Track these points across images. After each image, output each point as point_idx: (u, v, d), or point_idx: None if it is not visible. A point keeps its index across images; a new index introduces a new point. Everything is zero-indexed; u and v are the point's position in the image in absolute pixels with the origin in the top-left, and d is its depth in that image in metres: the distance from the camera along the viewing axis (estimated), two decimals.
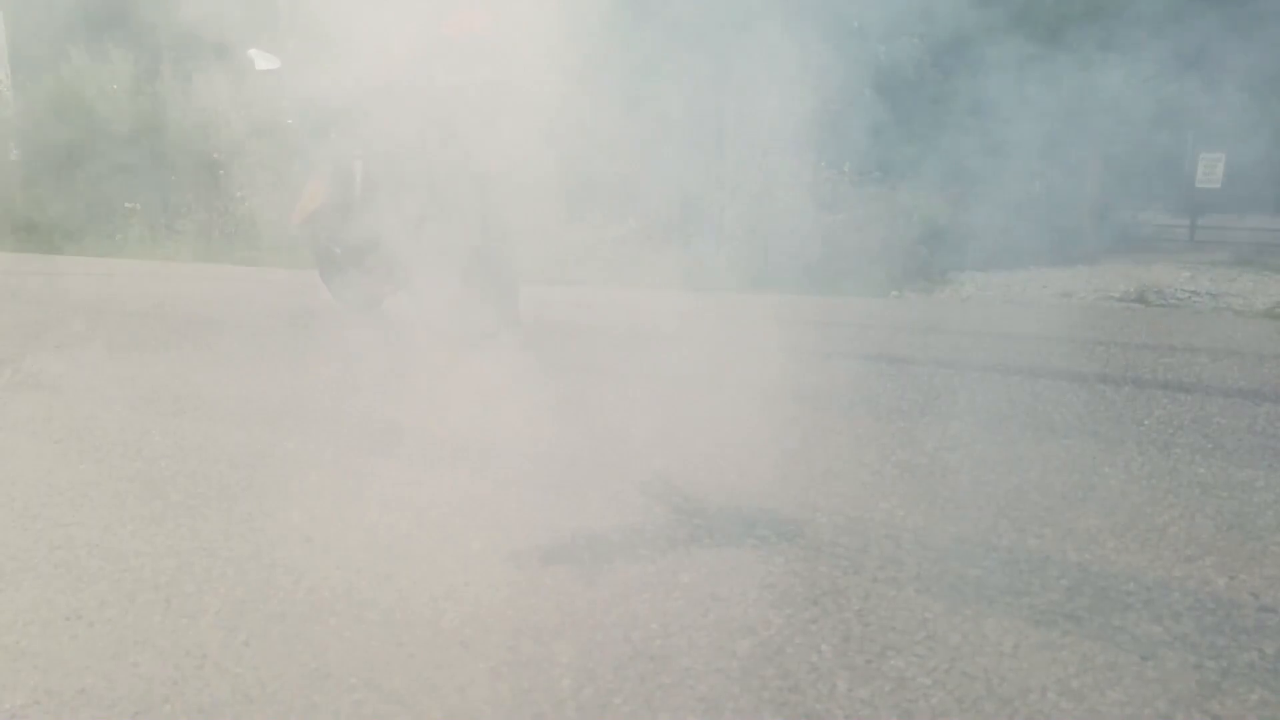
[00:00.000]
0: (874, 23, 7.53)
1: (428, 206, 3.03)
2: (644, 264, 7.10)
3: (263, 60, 3.83)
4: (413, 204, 3.02)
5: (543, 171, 3.12)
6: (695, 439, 2.17)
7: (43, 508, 1.73)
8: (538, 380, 2.82)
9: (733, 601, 1.33)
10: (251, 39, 3.44)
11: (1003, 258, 7.90)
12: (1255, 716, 1.05)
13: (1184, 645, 1.21)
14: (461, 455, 2.04)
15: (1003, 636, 1.23)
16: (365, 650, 1.21)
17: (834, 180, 7.16)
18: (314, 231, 3.54)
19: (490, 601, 1.34)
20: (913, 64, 7.68)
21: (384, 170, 3.14)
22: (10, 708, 1.09)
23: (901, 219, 7.05)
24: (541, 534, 1.59)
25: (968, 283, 6.63)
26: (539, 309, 4.70)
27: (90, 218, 9.37)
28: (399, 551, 1.52)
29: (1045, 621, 1.27)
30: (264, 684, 1.13)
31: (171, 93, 8.48)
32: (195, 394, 2.63)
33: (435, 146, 2.93)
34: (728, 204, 7.21)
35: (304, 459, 2.02)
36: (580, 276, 6.75)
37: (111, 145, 9.14)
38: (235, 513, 1.70)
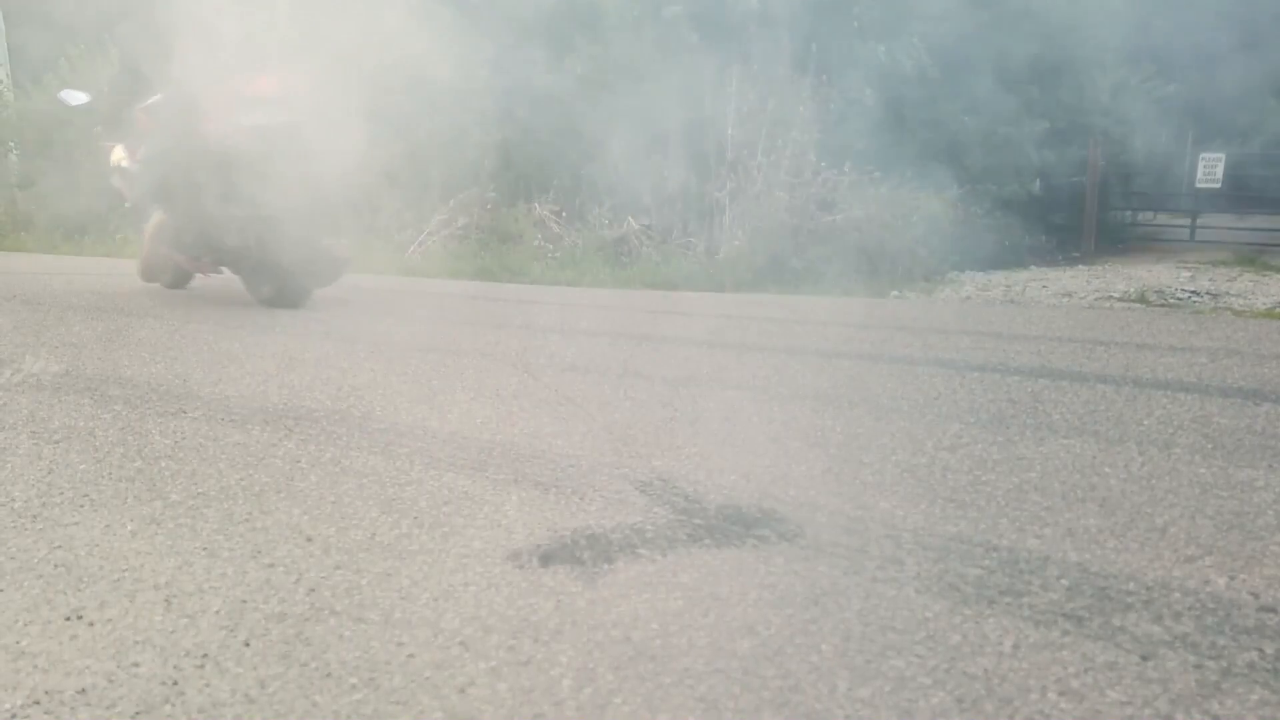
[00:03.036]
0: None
1: (237, 210, 4.23)
2: (643, 263, 7.10)
3: (72, 98, 5.15)
4: (225, 208, 4.26)
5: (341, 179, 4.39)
6: (695, 439, 2.17)
7: (43, 508, 1.73)
8: (537, 380, 2.83)
9: (733, 601, 1.33)
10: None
11: (1003, 258, 7.90)
12: (1255, 716, 1.05)
13: (1184, 645, 1.21)
14: (461, 455, 2.04)
15: (1003, 636, 1.23)
16: (365, 650, 1.21)
17: (834, 180, 7.15)
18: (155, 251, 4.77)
19: (490, 601, 1.34)
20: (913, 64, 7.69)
21: (210, 185, 4.24)
22: (10, 708, 1.09)
23: (901, 219, 7.05)
24: (541, 534, 1.59)
25: (968, 283, 6.63)
26: (538, 308, 4.71)
27: (90, 217, 9.36)
28: (399, 551, 1.52)
29: (1045, 621, 1.27)
30: (264, 684, 1.13)
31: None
32: (195, 394, 2.63)
33: (245, 167, 4.12)
34: (728, 204, 7.21)
35: (304, 459, 2.02)
36: (577, 276, 6.75)
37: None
38: (235, 513, 1.70)
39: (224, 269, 4.71)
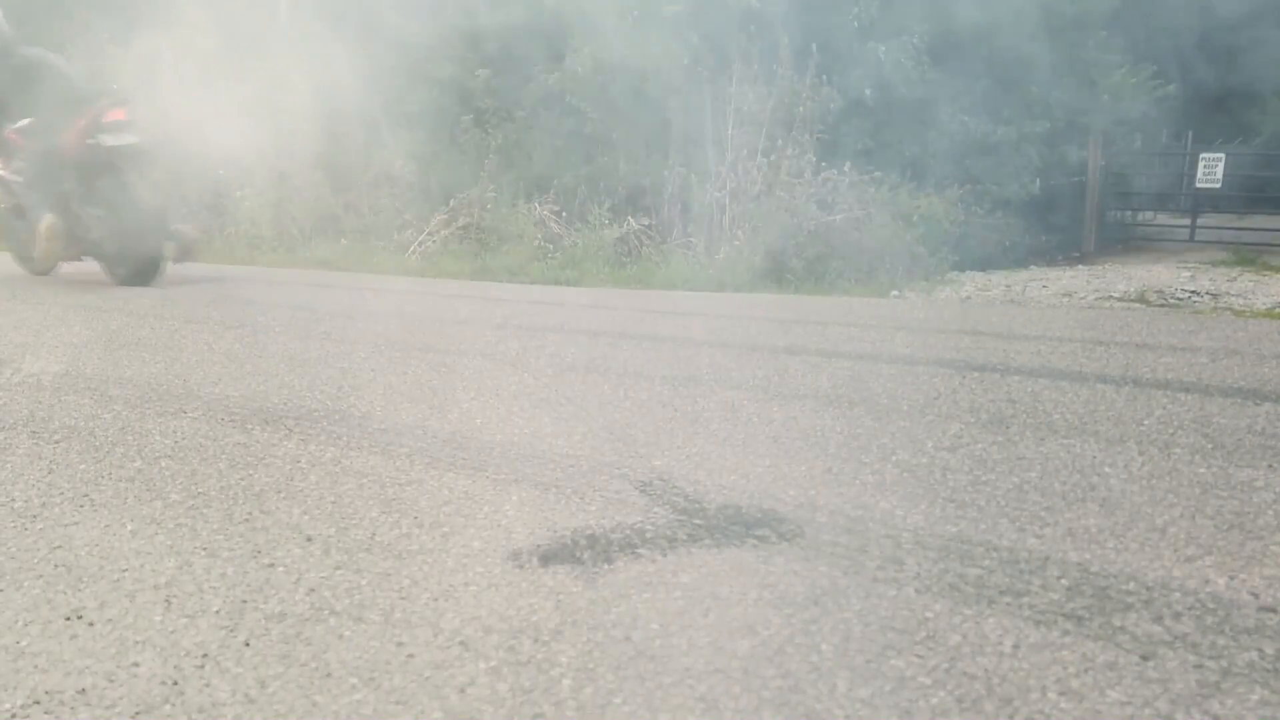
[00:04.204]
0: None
1: (95, 210, 5.39)
2: (643, 263, 7.10)
3: None
4: (86, 208, 5.42)
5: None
6: (695, 439, 2.17)
7: (43, 508, 1.73)
8: (537, 380, 2.83)
9: (733, 601, 1.33)
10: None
11: (1003, 258, 7.90)
12: (1255, 716, 1.05)
13: (1184, 645, 1.21)
14: (461, 455, 2.04)
15: (1003, 636, 1.23)
16: (365, 650, 1.21)
17: (834, 180, 7.15)
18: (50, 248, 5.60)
19: (490, 601, 1.34)
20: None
21: (74, 190, 5.41)
22: (10, 708, 1.09)
23: (901, 219, 7.04)
24: (541, 534, 1.59)
25: (968, 283, 6.63)
26: (539, 308, 4.70)
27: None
28: (399, 551, 1.52)
29: (1045, 621, 1.27)
30: (264, 684, 1.13)
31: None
32: (195, 394, 2.63)
33: (105, 176, 5.36)
34: (728, 204, 7.20)
35: (304, 459, 2.02)
36: (577, 276, 6.75)
37: None
38: (235, 513, 1.70)
39: (85, 257, 5.72)
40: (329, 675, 1.15)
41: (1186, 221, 10.37)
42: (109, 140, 5.24)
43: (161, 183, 5.56)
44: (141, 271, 5.48)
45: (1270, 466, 1.94)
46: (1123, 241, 10.31)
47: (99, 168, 5.30)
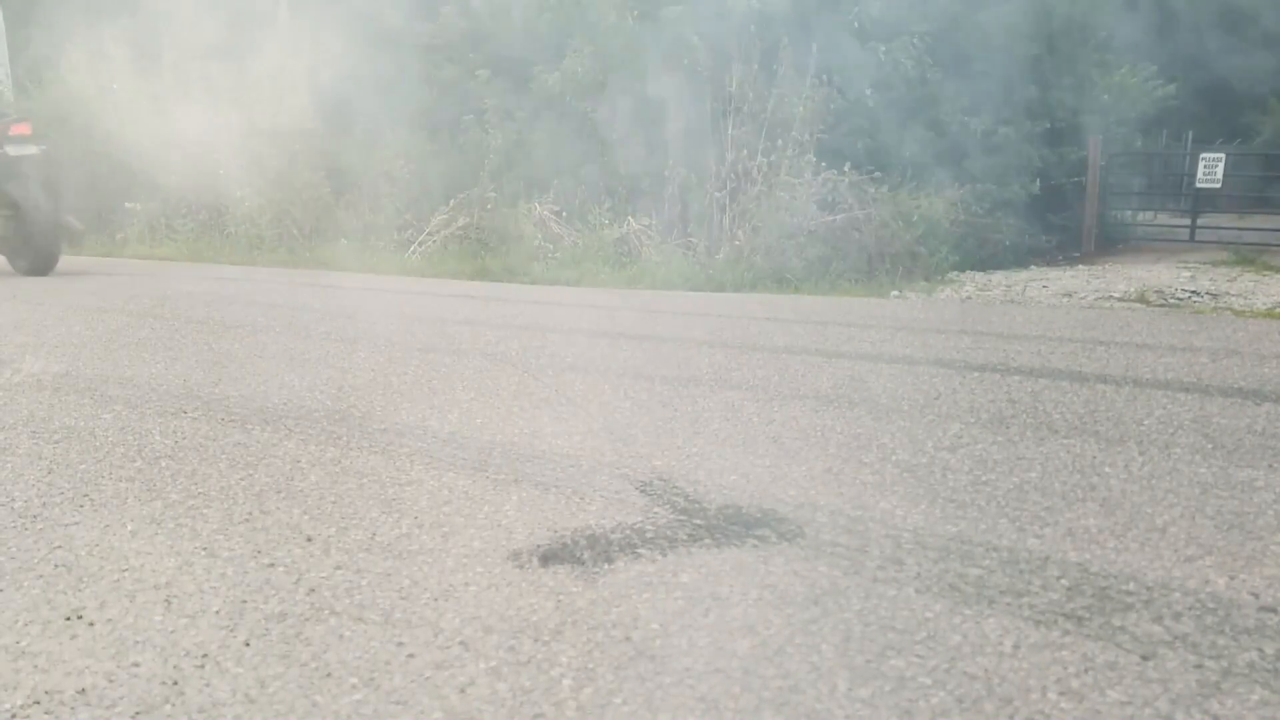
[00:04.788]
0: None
1: (3, 208, 6.10)
2: (643, 263, 7.10)
3: None
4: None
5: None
6: (695, 439, 2.17)
7: (43, 508, 1.73)
8: (537, 380, 2.83)
9: (733, 601, 1.33)
10: None
11: (1003, 258, 7.89)
12: (1255, 716, 1.05)
13: (1184, 645, 1.21)
14: (461, 455, 2.04)
15: (1003, 636, 1.23)
16: (365, 650, 1.21)
17: (834, 180, 7.14)
18: None
19: (490, 601, 1.34)
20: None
21: None
22: (10, 708, 1.09)
23: (901, 219, 7.04)
24: (541, 534, 1.59)
25: (968, 283, 6.62)
26: (539, 308, 4.70)
27: (88, 218, 9.38)
28: (399, 551, 1.52)
29: (1045, 621, 1.27)
30: (264, 684, 1.13)
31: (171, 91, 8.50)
32: (195, 394, 2.63)
33: (10, 182, 6.09)
34: (728, 204, 7.20)
35: (304, 459, 2.02)
36: (577, 276, 6.75)
37: (111, 145, 9.15)
38: (235, 513, 1.70)
39: None
40: (329, 675, 1.15)
41: (1186, 221, 10.35)
42: (14, 151, 5.98)
43: (55, 186, 6.40)
44: (41, 264, 6.27)
45: (1270, 466, 1.94)
46: (1123, 241, 10.30)
47: (4, 175, 6.01)
